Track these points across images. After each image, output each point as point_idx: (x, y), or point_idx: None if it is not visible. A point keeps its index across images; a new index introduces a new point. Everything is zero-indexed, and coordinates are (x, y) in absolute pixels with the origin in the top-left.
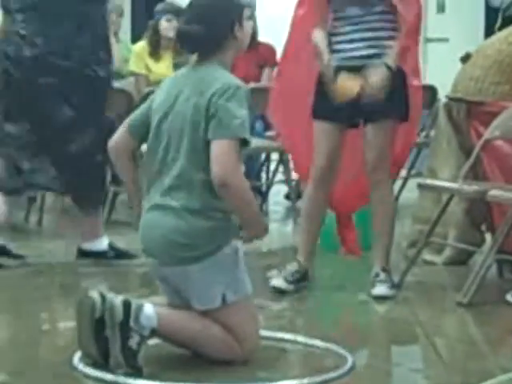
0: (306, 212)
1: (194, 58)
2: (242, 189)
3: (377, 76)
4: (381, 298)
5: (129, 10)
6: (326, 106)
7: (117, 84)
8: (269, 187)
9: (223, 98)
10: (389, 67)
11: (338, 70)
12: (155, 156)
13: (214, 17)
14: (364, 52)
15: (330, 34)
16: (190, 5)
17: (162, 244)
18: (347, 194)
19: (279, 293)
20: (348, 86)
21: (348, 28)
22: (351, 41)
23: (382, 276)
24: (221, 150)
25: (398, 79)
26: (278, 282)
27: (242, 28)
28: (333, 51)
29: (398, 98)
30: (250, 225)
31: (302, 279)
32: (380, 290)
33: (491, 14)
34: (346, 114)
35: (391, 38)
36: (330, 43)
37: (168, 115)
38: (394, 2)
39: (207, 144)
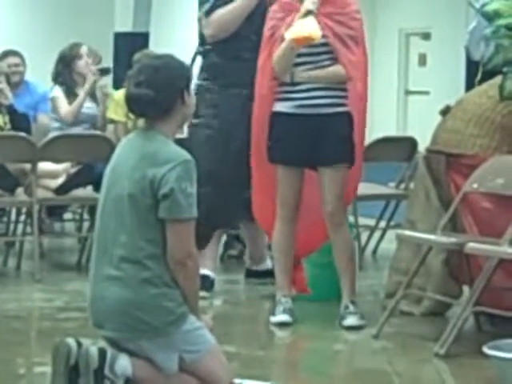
0: (278, 248)
1: (141, 122)
2: (196, 270)
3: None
4: (352, 329)
5: (111, 55)
6: (282, 150)
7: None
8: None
9: (177, 179)
10: None
11: None
12: (101, 224)
13: (164, 81)
14: None
15: None
16: (140, 69)
17: (111, 314)
18: (299, 237)
19: (284, 326)
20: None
21: None
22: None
23: (352, 308)
24: (181, 231)
25: (347, 125)
26: (281, 317)
27: (189, 94)
28: None
29: (349, 144)
30: (190, 305)
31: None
32: (351, 320)
33: (472, 66)
34: (301, 158)
35: None
36: None
37: (114, 184)
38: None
39: (158, 220)
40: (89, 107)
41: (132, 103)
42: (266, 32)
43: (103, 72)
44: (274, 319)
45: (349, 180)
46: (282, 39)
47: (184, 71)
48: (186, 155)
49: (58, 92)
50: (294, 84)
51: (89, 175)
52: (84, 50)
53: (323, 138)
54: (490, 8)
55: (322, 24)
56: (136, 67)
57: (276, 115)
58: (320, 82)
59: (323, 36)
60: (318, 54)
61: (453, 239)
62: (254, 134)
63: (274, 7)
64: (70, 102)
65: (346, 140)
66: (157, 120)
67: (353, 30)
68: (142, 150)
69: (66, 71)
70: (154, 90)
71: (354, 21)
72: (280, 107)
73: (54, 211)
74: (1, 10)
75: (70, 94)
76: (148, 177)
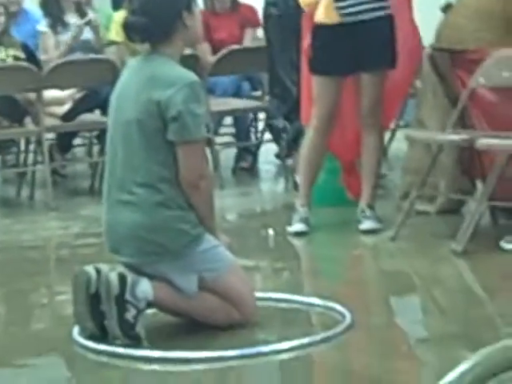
0: (306, 157)
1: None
2: (210, 190)
3: None
4: (369, 232)
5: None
6: (323, 60)
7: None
8: (258, 147)
9: (184, 100)
10: None
11: None
12: (110, 149)
13: (159, 7)
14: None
15: None
16: None
17: (126, 239)
18: (348, 141)
19: (300, 236)
20: None
21: None
22: None
23: (368, 212)
24: (191, 153)
25: (389, 29)
26: (298, 226)
27: (191, 15)
28: None
29: (390, 47)
30: (207, 226)
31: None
32: (367, 224)
33: None
34: (343, 67)
35: None
36: None
37: (121, 107)
38: None
39: (167, 142)
40: (84, 32)
41: (129, 31)
42: None
43: (87, 24)
44: (290, 229)
45: (393, 95)
46: None
47: None
48: (192, 76)
49: (44, 28)
50: None
51: (95, 99)
52: None
53: (365, 45)
54: None
55: None
56: None
57: (318, 26)
58: None
59: None
60: None
61: (463, 136)
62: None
63: None
64: (58, 33)
65: (388, 44)
66: (159, 44)
67: None
68: (147, 73)
69: None
70: (149, 17)
71: None
72: (321, 18)
73: (64, 147)
74: None
75: (58, 24)
76: (154, 99)
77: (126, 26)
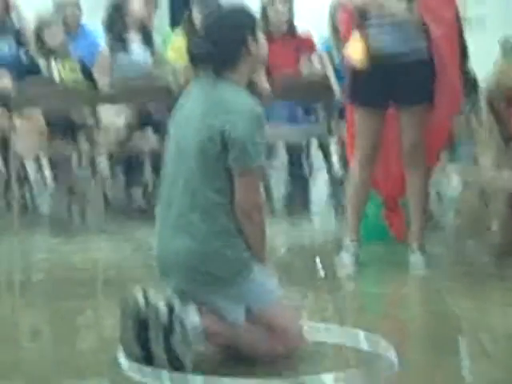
0: (352, 191)
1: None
2: (262, 221)
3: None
4: (418, 271)
5: None
6: (362, 91)
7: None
8: (310, 174)
9: (247, 128)
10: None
11: None
12: (168, 172)
13: (224, 35)
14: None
15: None
16: (202, 23)
17: (177, 265)
18: (392, 178)
19: (349, 270)
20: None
21: None
22: None
23: (418, 252)
24: (248, 181)
25: (429, 67)
26: (347, 261)
27: (255, 41)
28: None
29: (430, 83)
30: (257, 256)
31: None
32: (418, 265)
33: None
34: (380, 99)
35: None
36: None
37: (182, 132)
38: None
39: (226, 169)
40: (139, 52)
41: (194, 58)
42: None
43: None
44: (340, 263)
45: (437, 135)
46: None
47: (247, 19)
48: (256, 104)
49: (105, 48)
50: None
51: (147, 120)
52: None
53: (400, 80)
54: None
55: None
56: (201, 23)
57: None
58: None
59: None
60: None
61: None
62: None
63: None
64: (117, 49)
65: (423, 83)
66: (224, 70)
67: None
68: (212, 98)
69: (117, 16)
70: (213, 44)
71: None
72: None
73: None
74: None
75: (119, 41)
76: (217, 125)
77: (191, 52)
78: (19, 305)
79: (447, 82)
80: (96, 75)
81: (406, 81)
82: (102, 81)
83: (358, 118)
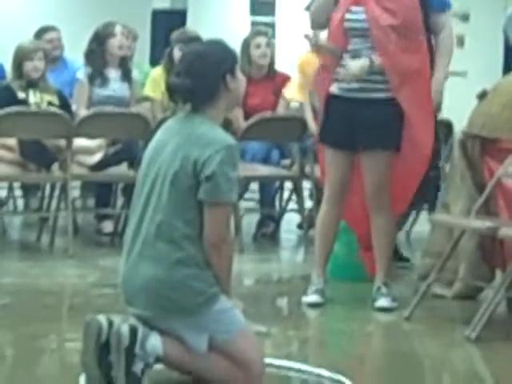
0: (320, 228)
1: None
2: (230, 254)
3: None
4: (383, 310)
5: (149, 32)
6: (329, 132)
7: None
8: (281, 215)
9: (220, 162)
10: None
11: None
12: (138, 202)
13: (204, 70)
14: None
15: None
16: (183, 57)
17: (142, 292)
18: (364, 215)
19: (316, 306)
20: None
21: None
22: None
23: (384, 290)
24: (218, 215)
25: (394, 111)
26: (313, 297)
27: (235, 78)
28: None
29: (393, 129)
30: (222, 287)
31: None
32: (382, 302)
33: (510, 50)
34: (346, 141)
35: None
36: None
37: (154, 163)
38: None
39: (196, 201)
40: (116, 88)
41: (173, 92)
42: None
43: None
44: (305, 299)
45: (407, 178)
46: None
47: (227, 56)
48: (230, 139)
49: (83, 77)
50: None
51: (127, 154)
52: (118, 29)
53: (362, 122)
54: None
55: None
56: (180, 57)
57: (329, 96)
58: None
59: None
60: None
61: (486, 223)
62: None
63: None
64: (96, 84)
65: (385, 125)
66: (201, 105)
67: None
68: (187, 132)
69: (98, 50)
70: (192, 79)
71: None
72: (332, 88)
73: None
74: None
75: (97, 75)
76: (191, 158)
77: (170, 87)
78: None
79: (413, 134)
80: (73, 106)
81: (370, 126)
82: (79, 111)
83: (326, 158)
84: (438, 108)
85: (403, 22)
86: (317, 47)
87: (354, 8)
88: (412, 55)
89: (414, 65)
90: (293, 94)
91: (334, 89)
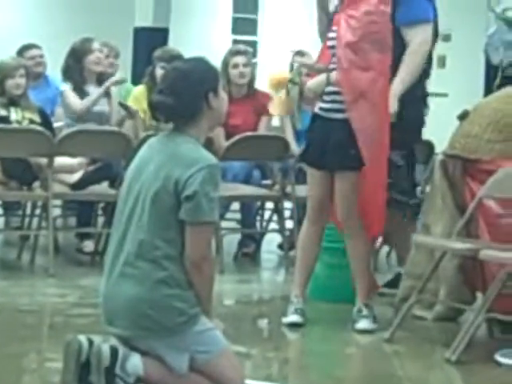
0: (301, 247)
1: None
2: (211, 273)
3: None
4: (364, 332)
5: (131, 50)
6: (308, 152)
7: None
8: (262, 235)
9: (201, 181)
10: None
11: None
12: (120, 221)
13: (186, 88)
14: None
15: None
16: (165, 75)
17: (123, 312)
18: None
19: (296, 327)
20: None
21: None
22: None
23: (365, 311)
24: (199, 235)
25: (347, 131)
26: (293, 318)
27: (217, 97)
28: None
29: (348, 150)
30: (203, 307)
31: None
32: (363, 324)
33: (491, 71)
34: (321, 161)
35: None
36: None
37: (136, 181)
38: None
39: (178, 221)
40: (99, 104)
41: (155, 110)
42: None
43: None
44: (285, 320)
45: (372, 202)
46: None
47: (210, 74)
48: (212, 159)
49: (66, 87)
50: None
51: (107, 172)
52: (95, 45)
53: (325, 143)
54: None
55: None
56: (162, 74)
57: (313, 115)
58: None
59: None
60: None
61: (467, 245)
62: None
63: None
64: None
65: (345, 146)
66: (184, 124)
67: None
68: (169, 151)
69: (76, 66)
70: (175, 97)
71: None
72: (315, 107)
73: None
74: (20, 5)
75: (78, 90)
76: (173, 177)
77: (152, 105)
78: None
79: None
80: (56, 124)
81: (336, 146)
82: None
83: (307, 176)
84: (392, 118)
85: (360, 39)
86: (308, 68)
87: (334, 27)
88: (364, 72)
89: (366, 82)
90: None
91: (316, 108)
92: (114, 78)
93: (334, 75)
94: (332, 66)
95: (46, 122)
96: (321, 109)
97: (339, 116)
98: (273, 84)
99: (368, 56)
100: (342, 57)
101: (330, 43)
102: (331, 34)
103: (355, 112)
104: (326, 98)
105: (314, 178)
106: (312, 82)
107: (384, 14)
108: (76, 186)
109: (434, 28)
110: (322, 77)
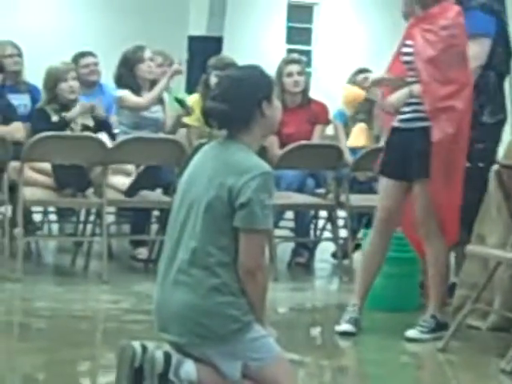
0: (365, 258)
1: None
2: (265, 281)
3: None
4: (416, 341)
5: (185, 61)
6: (386, 163)
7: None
8: (316, 244)
9: (256, 189)
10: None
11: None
12: (174, 228)
13: (240, 95)
14: None
15: None
16: (219, 82)
17: (176, 319)
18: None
19: (347, 336)
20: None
21: None
22: None
23: (427, 322)
24: (253, 242)
25: (426, 140)
26: (345, 326)
27: (271, 105)
28: None
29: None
30: (257, 315)
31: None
32: (413, 332)
33: None
34: (398, 171)
35: None
36: None
37: (190, 189)
38: None
39: (232, 228)
40: (154, 111)
41: (208, 117)
42: None
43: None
44: (337, 328)
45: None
46: None
47: (263, 82)
48: (266, 167)
49: (123, 92)
50: None
51: (155, 176)
52: (147, 53)
53: (406, 153)
54: None
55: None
56: (217, 81)
57: (391, 129)
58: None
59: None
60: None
61: None
62: None
63: None
64: None
65: (424, 155)
66: (237, 131)
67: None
68: (223, 159)
69: (128, 74)
70: (229, 104)
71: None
72: (393, 121)
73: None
74: (75, 13)
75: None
76: (227, 185)
77: (206, 112)
78: (17, 351)
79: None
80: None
81: (418, 154)
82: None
83: (380, 188)
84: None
85: (441, 53)
86: (377, 82)
87: (407, 42)
88: (444, 86)
89: (446, 95)
90: (357, 141)
91: (395, 122)
92: (173, 68)
93: (417, 88)
94: (410, 80)
95: (104, 125)
96: (401, 121)
97: (421, 124)
98: (348, 100)
99: (448, 69)
100: (423, 70)
101: (405, 58)
102: (405, 49)
103: (435, 123)
104: (405, 109)
105: (389, 188)
106: (394, 97)
107: (462, 26)
108: (127, 193)
109: (505, 44)
110: (404, 91)
